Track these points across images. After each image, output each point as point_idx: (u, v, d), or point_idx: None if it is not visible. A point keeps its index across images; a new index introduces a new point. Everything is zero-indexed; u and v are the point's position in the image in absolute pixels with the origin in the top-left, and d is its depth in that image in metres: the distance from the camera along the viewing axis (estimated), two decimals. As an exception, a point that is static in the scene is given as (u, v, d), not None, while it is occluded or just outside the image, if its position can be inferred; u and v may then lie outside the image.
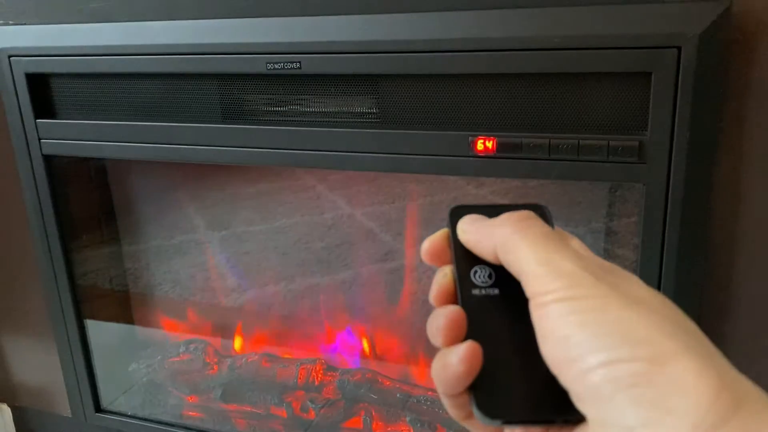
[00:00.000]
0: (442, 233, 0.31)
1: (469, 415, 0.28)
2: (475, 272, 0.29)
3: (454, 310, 0.27)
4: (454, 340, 0.27)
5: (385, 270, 0.95)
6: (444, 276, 0.30)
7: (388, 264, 0.95)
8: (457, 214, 0.31)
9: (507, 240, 0.27)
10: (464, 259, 0.30)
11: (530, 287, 0.26)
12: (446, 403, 0.28)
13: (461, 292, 0.29)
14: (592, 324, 0.24)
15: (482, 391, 0.26)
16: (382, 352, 1.00)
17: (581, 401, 0.24)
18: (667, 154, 0.58)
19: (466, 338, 0.27)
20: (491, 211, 0.31)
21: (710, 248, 0.64)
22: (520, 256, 0.27)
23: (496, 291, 0.29)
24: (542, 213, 0.30)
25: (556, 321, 0.24)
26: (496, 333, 0.27)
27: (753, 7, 0.56)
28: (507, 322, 0.28)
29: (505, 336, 0.27)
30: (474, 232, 0.29)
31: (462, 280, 0.29)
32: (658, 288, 0.63)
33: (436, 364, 0.27)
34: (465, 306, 0.28)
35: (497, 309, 0.28)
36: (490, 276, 0.29)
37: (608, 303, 0.24)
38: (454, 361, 0.26)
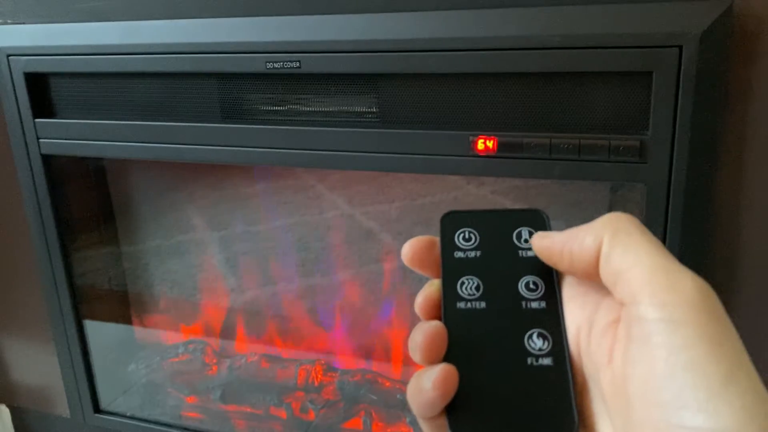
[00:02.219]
0: (425, 239, 0.29)
1: None
2: (462, 284, 0.28)
3: (433, 326, 0.26)
4: (433, 358, 0.25)
5: (385, 270, 0.95)
6: (431, 285, 0.28)
7: (388, 264, 0.94)
8: (449, 220, 0.30)
9: (622, 233, 0.24)
10: (451, 268, 0.28)
11: (635, 290, 0.22)
12: (423, 425, 0.26)
13: (445, 305, 0.27)
14: (700, 370, 0.20)
15: (459, 413, 0.24)
16: (382, 353, 1.00)
17: None
18: (669, 154, 0.58)
19: (445, 357, 0.26)
20: (487, 216, 0.30)
21: (712, 248, 0.64)
22: (634, 252, 0.23)
23: (483, 304, 0.27)
24: (540, 217, 0.29)
25: (658, 348, 0.21)
26: (479, 351, 0.26)
27: (754, 6, 0.56)
28: (491, 338, 0.26)
29: (488, 354, 0.26)
30: (559, 234, 0.26)
31: (447, 291, 0.28)
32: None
33: (411, 387, 0.25)
34: (448, 320, 0.27)
35: (482, 324, 0.26)
36: (477, 288, 0.28)
37: (722, 343, 0.21)
38: (427, 386, 0.24)
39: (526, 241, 0.29)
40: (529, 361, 0.25)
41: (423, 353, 0.25)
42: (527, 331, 0.26)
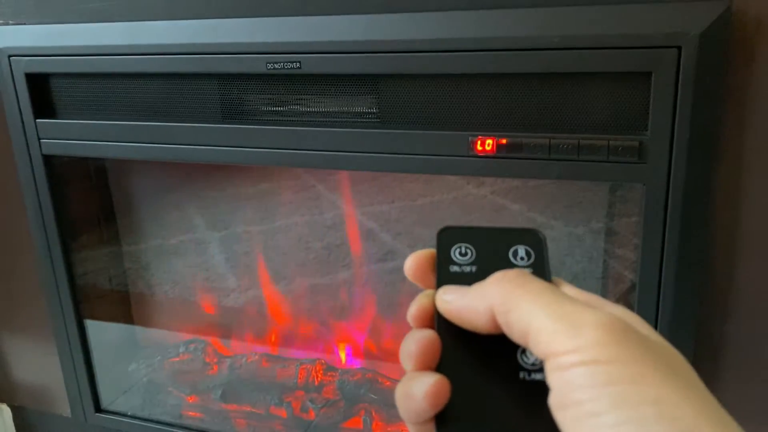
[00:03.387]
0: (427, 252, 0.30)
1: None
2: None
3: (427, 336, 0.26)
4: (425, 367, 0.25)
5: (385, 270, 0.95)
6: (426, 296, 0.28)
7: (388, 264, 0.95)
8: (446, 235, 0.30)
9: (508, 296, 0.24)
10: (446, 281, 0.28)
11: (544, 346, 0.23)
12: (410, 429, 0.26)
13: (439, 316, 0.27)
14: (629, 403, 0.20)
15: (449, 423, 0.24)
16: (382, 352, 1.00)
17: None
18: (668, 154, 0.58)
19: (438, 367, 0.26)
20: (484, 232, 0.30)
21: (711, 248, 0.64)
22: (527, 311, 0.23)
23: None
24: (537, 237, 0.29)
25: (582, 391, 0.21)
26: (472, 364, 0.26)
27: (753, 7, 0.56)
28: (484, 352, 0.26)
29: (480, 368, 0.26)
30: (460, 297, 0.26)
31: None
32: (658, 288, 0.62)
33: (400, 391, 0.25)
34: (441, 331, 0.27)
35: (476, 337, 0.26)
36: None
37: (645, 374, 0.21)
38: (417, 395, 0.24)
39: (522, 258, 0.29)
40: (521, 375, 0.25)
41: (416, 363, 0.25)
42: (520, 346, 0.26)
